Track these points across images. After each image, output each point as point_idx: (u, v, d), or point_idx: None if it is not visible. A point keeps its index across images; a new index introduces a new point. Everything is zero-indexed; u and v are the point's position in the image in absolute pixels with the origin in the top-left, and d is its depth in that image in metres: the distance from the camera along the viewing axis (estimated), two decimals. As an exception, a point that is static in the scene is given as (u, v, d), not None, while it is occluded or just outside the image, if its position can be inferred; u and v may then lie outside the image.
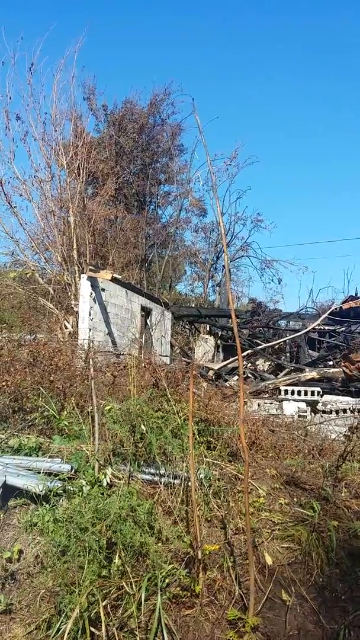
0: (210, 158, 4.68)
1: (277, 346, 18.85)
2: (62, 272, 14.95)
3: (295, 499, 5.09)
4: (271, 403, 11.07)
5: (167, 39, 62.36)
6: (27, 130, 15.51)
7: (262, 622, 3.57)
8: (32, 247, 15.92)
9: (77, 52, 16.61)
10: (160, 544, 3.97)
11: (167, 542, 4.04)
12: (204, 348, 21.06)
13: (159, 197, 29.72)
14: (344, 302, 19.85)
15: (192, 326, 22.73)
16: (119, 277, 13.49)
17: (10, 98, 15.32)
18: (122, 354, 10.82)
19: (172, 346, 19.35)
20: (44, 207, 15.72)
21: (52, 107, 15.90)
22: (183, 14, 62.21)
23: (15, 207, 15.21)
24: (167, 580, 3.65)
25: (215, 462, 5.39)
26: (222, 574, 3.93)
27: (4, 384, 6.44)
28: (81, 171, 15.96)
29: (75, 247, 15.19)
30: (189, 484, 4.53)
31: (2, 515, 4.33)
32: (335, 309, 18.70)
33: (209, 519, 4.53)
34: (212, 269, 32.70)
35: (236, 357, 16.09)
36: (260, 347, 17.05)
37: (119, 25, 60.59)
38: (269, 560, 4.13)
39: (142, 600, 3.40)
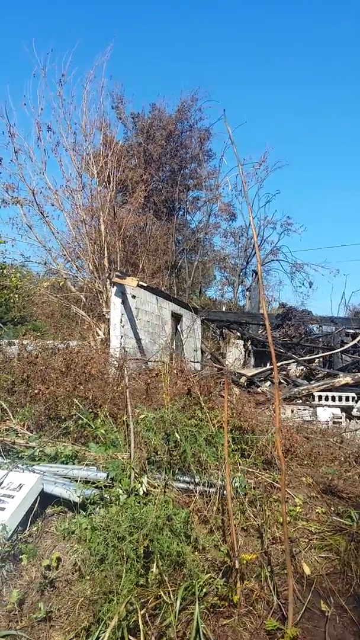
0: (239, 164, 4.67)
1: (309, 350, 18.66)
2: (94, 280, 15.13)
3: (332, 508, 5.02)
4: (305, 409, 10.95)
5: (193, 45, 62.54)
6: (58, 140, 15.81)
7: (301, 632, 3.53)
8: (64, 255, 16.19)
9: (105, 62, 16.92)
10: (197, 553, 3.97)
11: (203, 551, 4.04)
12: (235, 353, 21.00)
13: (187, 203, 29.79)
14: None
15: (222, 331, 22.67)
16: (145, 284, 13.56)
17: (41, 109, 15.64)
18: (154, 361, 10.87)
19: (202, 352, 19.33)
20: (75, 216, 15.97)
21: (82, 117, 16.20)
22: (209, 20, 62.35)
23: (47, 216, 15.49)
24: (204, 590, 3.64)
25: (250, 470, 5.36)
26: (259, 584, 3.90)
27: (39, 391, 6.56)
28: (111, 180, 16.16)
29: (106, 254, 15.36)
30: (224, 492, 4.52)
31: (40, 523, 4.39)
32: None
33: (245, 528, 4.51)
34: (241, 273, 32.61)
35: (270, 366, 15.98)
36: (295, 360, 16.86)
37: (145, 34, 61.10)
38: (307, 570, 4.09)
39: (180, 609, 3.40)
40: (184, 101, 28.13)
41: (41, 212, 15.26)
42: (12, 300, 16.49)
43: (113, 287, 12.67)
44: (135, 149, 26.55)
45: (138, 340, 13.33)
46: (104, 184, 16.28)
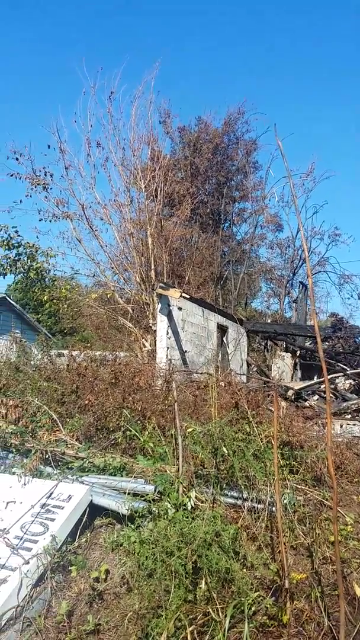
0: (288, 176, 4.64)
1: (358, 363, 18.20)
2: (140, 292, 15.28)
3: (385, 528, 4.87)
4: (354, 424, 10.65)
5: (238, 57, 62.82)
6: (107, 156, 16.12)
7: (354, 657, 3.42)
8: (112, 268, 16.41)
9: (153, 78, 17.19)
10: (245, 571, 3.91)
11: (252, 569, 3.98)
12: (281, 366, 20.71)
13: (233, 214, 29.79)
14: None
15: (267, 343, 22.43)
16: (188, 295, 13.56)
17: (91, 126, 16.01)
18: (200, 373, 10.84)
19: (248, 364, 19.16)
20: (123, 230, 16.20)
21: (130, 133, 16.50)
22: (255, 32, 62.57)
23: (96, 230, 15.78)
24: (253, 608, 3.57)
25: (299, 486, 5.26)
26: (310, 604, 3.81)
27: (88, 402, 6.65)
28: (158, 193, 16.34)
29: (152, 267, 15.52)
30: (273, 509, 4.45)
31: (89, 535, 4.43)
32: None
33: (294, 546, 4.42)
34: (288, 285, 32.26)
35: (317, 379, 15.67)
36: (346, 374, 16.46)
37: (191, 48, 61.78)
38: (358, 591, 3.97)
39: (229, 627, 3.35)
40: (231, 114, 28.30)
41: (90, 226, 15.56)
42: (61, 312, 16.84)
43: (159, 299, 12.75)
44: (182, 162, 26.79)
45: (184, 352, 13.33)
46: (152, 197, 16.49)
